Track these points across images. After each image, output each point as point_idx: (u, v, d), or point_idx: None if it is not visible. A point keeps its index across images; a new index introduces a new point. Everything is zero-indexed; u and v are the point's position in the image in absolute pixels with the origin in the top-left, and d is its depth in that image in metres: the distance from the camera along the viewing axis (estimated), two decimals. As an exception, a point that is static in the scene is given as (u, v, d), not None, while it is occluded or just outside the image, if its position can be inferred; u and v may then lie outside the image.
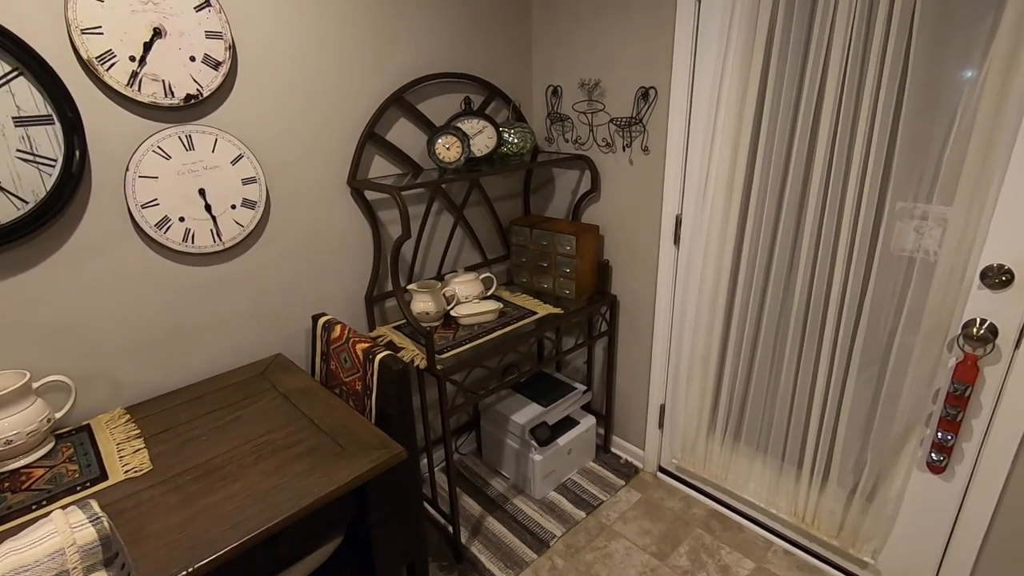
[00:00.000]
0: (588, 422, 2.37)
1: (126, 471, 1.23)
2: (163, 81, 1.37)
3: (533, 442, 2.15)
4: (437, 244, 2.12)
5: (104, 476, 1.22)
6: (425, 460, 2.26)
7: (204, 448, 1.31)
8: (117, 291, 1.43)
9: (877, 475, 1.64)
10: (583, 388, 2.36)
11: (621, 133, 1.99)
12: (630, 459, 2.42)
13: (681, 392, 2.12)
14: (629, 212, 2.08)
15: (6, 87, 1.18)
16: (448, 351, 1.79)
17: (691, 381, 2.05)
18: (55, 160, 1.26)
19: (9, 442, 1.22)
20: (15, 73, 1.18)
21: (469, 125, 1.93)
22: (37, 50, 1.20)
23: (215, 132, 1.48)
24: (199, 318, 1.58)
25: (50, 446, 1.31)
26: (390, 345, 1.88)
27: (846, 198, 1.51)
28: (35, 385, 1.30)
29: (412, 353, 1.77)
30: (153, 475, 1.22)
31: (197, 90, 1.42)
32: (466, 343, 1.83)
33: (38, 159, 1.24)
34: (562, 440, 2.25)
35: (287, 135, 1.63)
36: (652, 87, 1.86)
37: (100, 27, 1.26)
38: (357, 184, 1.76)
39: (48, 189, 1.26)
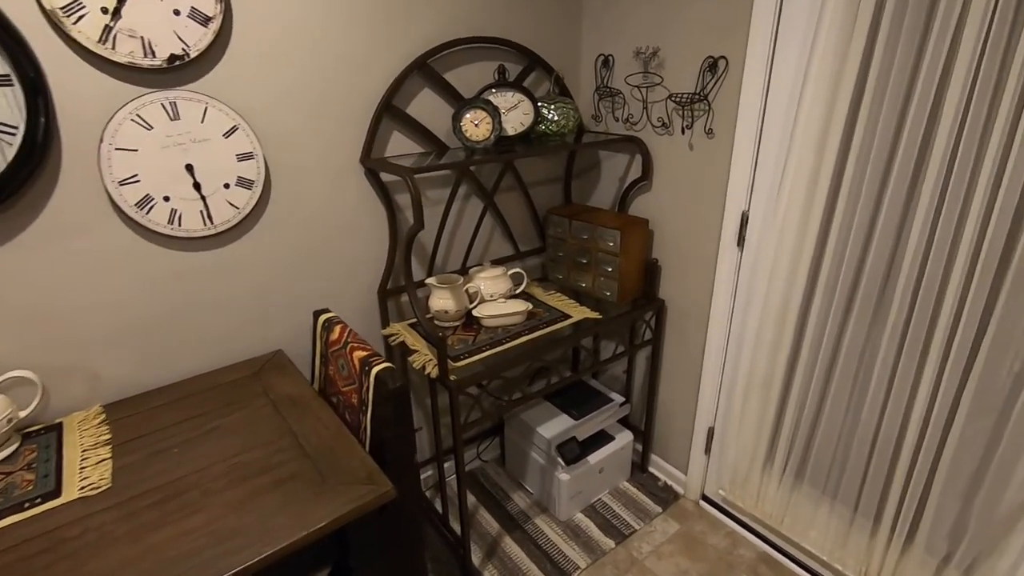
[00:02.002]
0: (624, 438, 2.11)
1: (81, 488, 1.08)
2: (142, 38, 1.18)
3: (560, 460, 1.92)
4: (463, 233, 1.89)
5: (58, 492, 1.07)
6: (436, 471, 2.07)
7: (173, 464, 1.14)
8: (94, 276, 1.28)
9: (980, 549, 1.32)
10: (620, 400, 2.10)
11: (681, 112, 1.69)
12: (670, 482, 2.16)
13: (734, 416, 1.83)
14: (685, 205, 1.78)
15: (-46, 41, 1.01)
16: (465, 357, 1.57)
17: (747, 406, 1.76)
18: (15, 128, 1.09)
19: (-40, 445, 1.09)
20: (-36, 24, 1.02)
21: (502, 98, 1.68)
22: (-11, -3, 1.03)
23: (204, 99, 1.29)
24: (188, 309, 1.42)
25: (14, 447, 1.18)
26: (402, 346, 1.67)
27: (971, 201, 1.17)
28: (-4, 380, 1.16)
29: (424, 358, 1.56)
30: (109, 495, 1.06)
31: (183, 50, 1.23)
32: (487, 349, 1.61)
33: (-4, 126, 1.08)
34: (593, 458, 2.01)
35: (291, 105, 1.42)
36: (722, 57, 1.55)
37: (65, -28, 1.08)
38: (371, 164, 1.54)
39: (8, 160, 1.10)
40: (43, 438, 1.22)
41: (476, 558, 1.86)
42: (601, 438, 2.09)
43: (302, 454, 1.16)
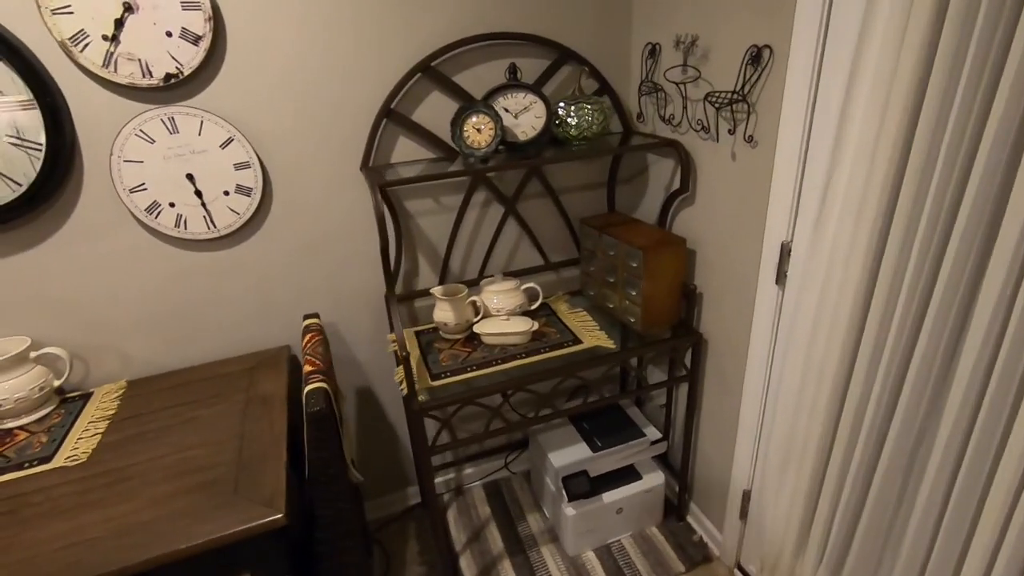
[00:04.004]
0: (654, 480, 1.88)
1: (67, 457, 1.26)
2: (139, 60, 1.29)
3: (564, 493, 1.77)
4: (483, 241, 1.80)
5: (51, 459, 1.26)
6: (454, 478, 2.05)
7: (142, 448, 1.28)
8: (118, 272, 1.46)
9: None
10: (656, 436, 1.87)
11: (722, 114, 1.38)
12: (706, 539, 1.88)
13: (771, 484, 1.50)
14: (726, 226, 1.48)
15: (-13, 73, 1.21)
16: (446, 376, 1.50)
17: (784, 474, 1.43)
18: (41, 144, 1.28)
19: (1, 405, 1.33)
20: (-6, 59, 1.20)
21: (513, 100, 1.53)
22: (11, 34, 1.20)
23: (200, 113, 1.37)
24: (199, 303, 1.56)
25: (48, 410, 1.42)
26: (395, 355, 1.66)
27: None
28: (33, 354, 1.40)
29: (402, 375, 1.53)
30: (81, 468, 1.22)
31: (177, 68, 1.32)
32: (474, 369, 1.52)
33: (25, 143, 1.27)
34: (609, 496, 1.82)
35: (286, 115, 1.46)
36: (767, 46, 1.22)
37: (69, 6, 1.21)
38: (370, 171, 1.53)
39: (37, 172, 1.29)
40: (73, 405, 1.46)
41: (468, 574, 1.82)
42: (627, 474, 1.88)
43: (235, 459, 1.21)
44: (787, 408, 1.38)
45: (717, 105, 1.36)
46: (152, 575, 1.08)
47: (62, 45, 1.23)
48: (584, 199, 1.86)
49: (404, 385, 1.47)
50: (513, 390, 1.49)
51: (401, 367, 1.56)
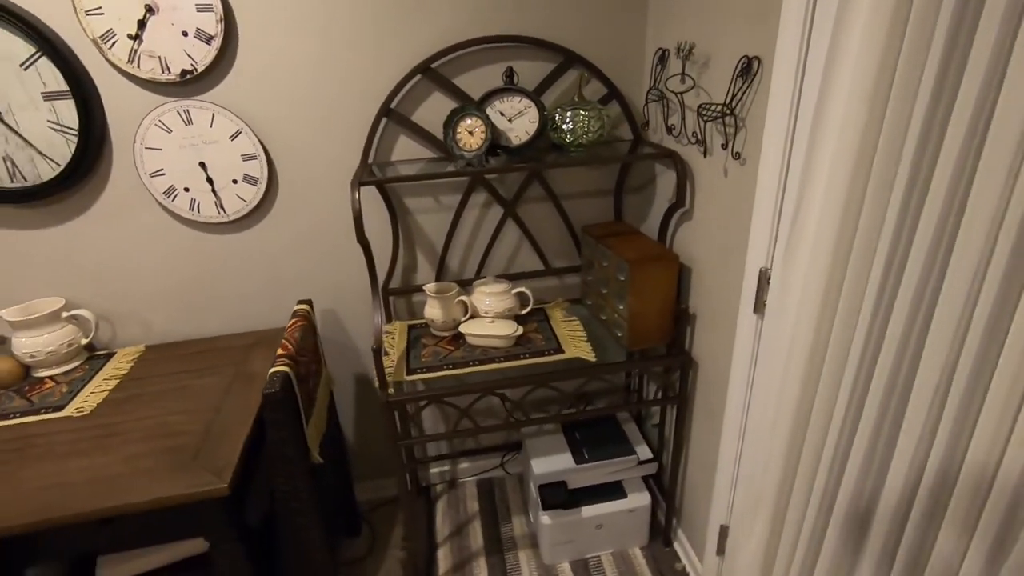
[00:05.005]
0: (640, 500, 1.82)
1: (76, 408, 1.42)
2: (159, 57, 1.41)
3: (540, 501, 1.76)
4: (481, 242, 1.81)
5: (63, 407, 1.43)
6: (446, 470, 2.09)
7: (134, 408, 1.42)
8: (141, 246, 1.62)
9: None
10: (646, 456, 1.80)
11: (715, 126, 1.30)
12: (688, 569, 1.79)
13: (741, 525, 1.41)
14: (716, 246, 1.39)
15: (33, 67, 1.37)
16: (422, 372, 1.54)
17: (754, 517, 1.34)
18: (75, 129, 1.44)
19: (33, 356, 1.53)
20: (38, 54, 1.37)
21: (508, 104, 1.53)
22: (52, 33, 1.36)
23: (211, 107, 1.49)
24: (210, 280, 1.69)
25: (75, 364, 1.61)
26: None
27: None
28: (65, 314, 1.59)
29: (389, 363, 1.58)
30: (83, 419, 1.38)
31: (192, 65, 1.43)
32: (448, 368, 1.55)
33: (63, 128, 1.44)
34: (588, 511, 1.78)
35: (291, 110, 1.54)
36: (756, 57, 1.14)
37: (100, 7, 1.35)
38: (368, 168, 1.58)
39: (72, 154, 1.46)
40: (96, 362, 1.64)
41: (443, 566, 1.86)
42: (613, 490, 1.84)
43: (205, 429, 1.32)
44: (758, 450, 1.29)
45: (706, 118, 1.28)
46: (115, 524, 1.21)
47: (94, 42, 1.38)
48: (590, 206, 1.82)
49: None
50: (482, 393, 1.49)
51: (388, 356, 1.62)
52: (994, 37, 0.66)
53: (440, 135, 1.63)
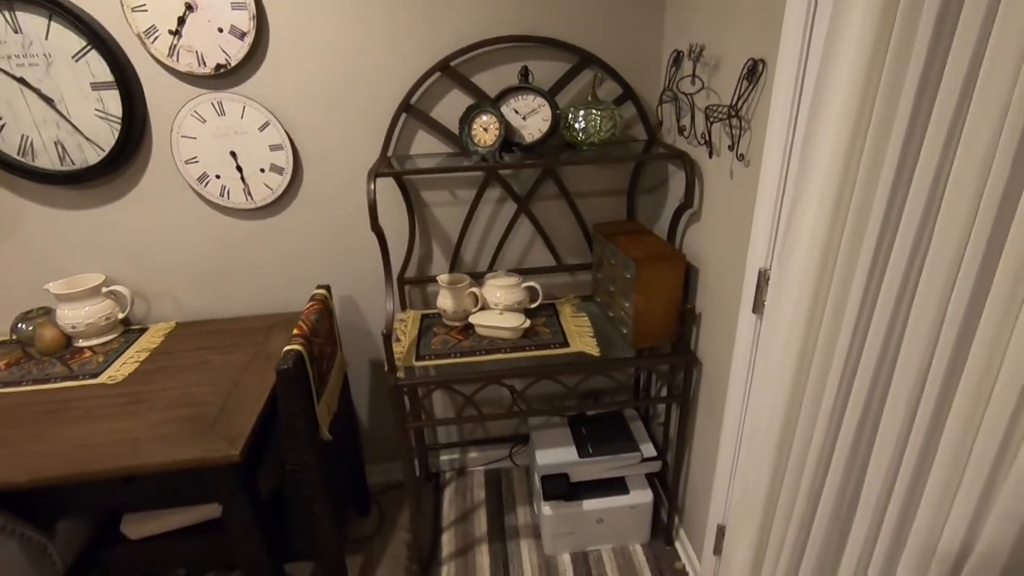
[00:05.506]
0: (642, 497, 1.84)
1: (109, 376, 1.53)
2: (196, 52, 1.51)
3: (541, 492, 1.79)
4: (495, 236, 1.86)
5: (98, 375, 1.55)
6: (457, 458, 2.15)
7: (161, 379, 1.52)
8: (176, 229, 1.73)
9: None
10: (650, 454, 1.82)
11: (723, 128, 1.32)
12: (688, 568, 1.80)
13: (736, 527, 1.42)
14: (722, 246, 1.41)
15: (84, 59, 1.49)
16: (431, 358, 1.60)
17: (745, 520, 1.35)
18: (119, 117, 1.55)
19: (75, 327, 1.65)
20: (88, 47, 1.48)
21: (523, 102, 1.57)
22: (101, 28, 1.46)
23: (243, 99, 1.58)
24: (239, 263, 1.79)
25: (111, 337, 1.73)
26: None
27: None
28: (104, 289, 1.71)
29: (400, 349, 1.65)
30: (115, 387, 1.49)
31: (226, 59, 1.52)
32: (456, 356, 1.60)
33: (108, 116, 1.55)
34: (589, 504, 1.81)
35: (317, 104, 1.62)
36: (761, 60, 1.15)
37: (145, 5, 1.45)
38: (387, 161, 1.65)
39: (115, 140, 1.57)
40: (131, 335, 1.75)
41: (447, 550, 1.92)
42: (615, 486, 1.86)
43: (223, 402, 1.40)
44: (754, 453, 1.30)
45: (712, 119, 1.30)
46: (137, 483, 1.30)
47: (138, 37, 1.48)
48: (603, 205, 1.85)
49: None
50: (485, 381, 1.54)
51: (399, 342, 1.68)
52: (972, 47, 0.67)
53: (457, 131, 1.69)
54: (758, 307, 1.25)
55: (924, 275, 0.78)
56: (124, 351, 1.66)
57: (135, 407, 1.40)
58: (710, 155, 1.37)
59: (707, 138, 1.38)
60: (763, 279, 1.22)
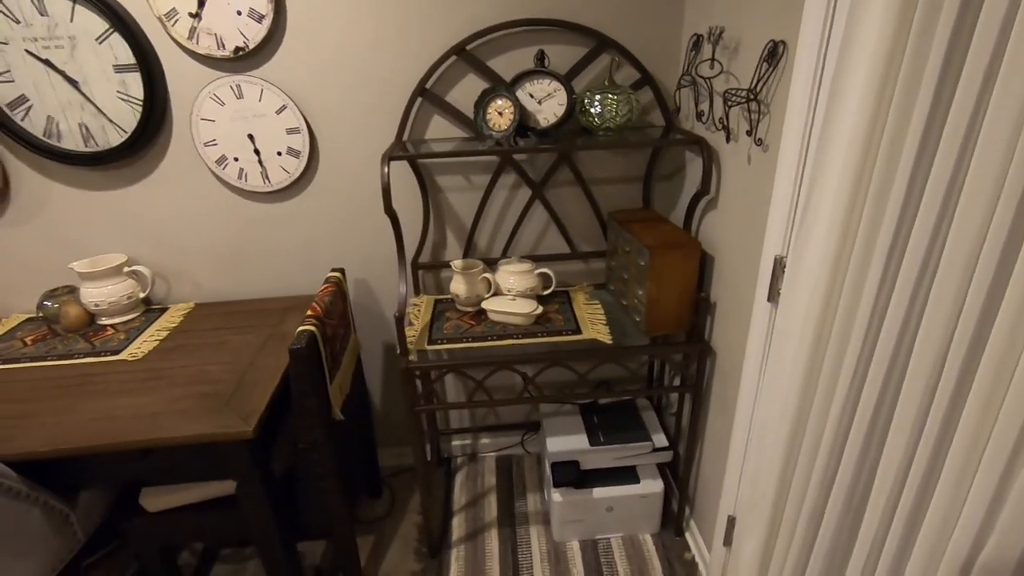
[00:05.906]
0: (652, 487, 1.83)
1: (130, 353, 1.57)
2: (215, 35, 1.52)
3: (551, 478, 1.80)
4: (509, 222, 1.85)
5: (120, 352, 1.59)
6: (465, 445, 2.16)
7: (179, 357, 1.55)
8: (195, 211, 1.76)
9: None
10: (661, 444, 1.81)
11: (741, 111, 1.29)
12: (698, 559, 1.79)
13: (744, 519, 1.41)
14: (738, 234, 1.38)
15: (107, 42, 1.51)
16: (443, 342, 1.60)
17: (753, 512, 1.34)
18: (141, 100, 1.58)
19: (98, 305, 1.69)
20: (111, 30, 1.50)
21: (538, 86, 1.56)
22: (123, 11, 1.49)
23: (260, 82, 1.59)
24: (256, 245, 1.82)
25: (132, 315, 1.77)
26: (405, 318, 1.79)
27: None
28: (126, 269, 1.74)
29: (412, 333, 1.66)
30: (135, 363, 1.52)
31: (244, 42, 1.54)
32: (467, 341, 1.61)
33: (130, 98, 1.58)
34: (599, 492, 1.81)
35: (333, 88, 1.63)
36: (782, 42, 1.12)
37: (165, -13, 1.47)
38: (402, 145, 1.65)
39: (137, 122, 1.60)
40: (152, 315, 1.79)
41: (457, 533, 1.93)
42: (626, 475, 1.86)
43: (238, 379, 1.43)
44: (766, 444, 1.28)
45: (730, 104, 1.27)
46: (154, 456, 1.33)
47: (159, 20, 1.50)
48: (618, 192, 1.83)
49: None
50: (496, 367, 1.54)
51: (412, 326, 1.69)
52: (996, 29, 0.64)
53: (472, 115, 1.68)
54: (773, 295, 1.23)
55: (943, 264, 0.76)
56: (145, 329, 1.70)
57: (154, 383, 1.43)
58: (727, 140, 1.34)
59: (725, 123, 1.35)
60: (779, 266, 1.19)
